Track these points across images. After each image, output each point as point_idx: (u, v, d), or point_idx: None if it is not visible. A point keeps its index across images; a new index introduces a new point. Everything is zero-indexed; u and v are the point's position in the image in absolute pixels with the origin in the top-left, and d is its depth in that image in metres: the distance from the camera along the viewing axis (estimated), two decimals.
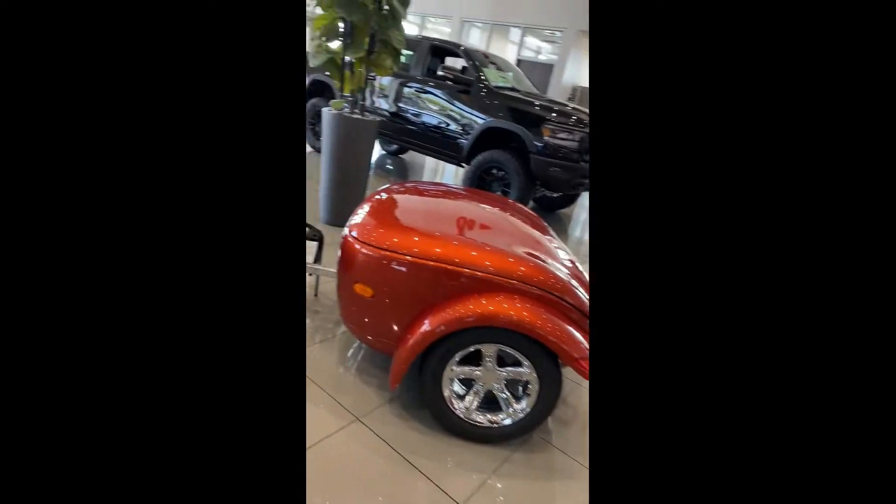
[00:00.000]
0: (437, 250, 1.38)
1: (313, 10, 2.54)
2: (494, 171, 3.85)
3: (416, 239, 1.42)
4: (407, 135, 4.47)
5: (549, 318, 1.29)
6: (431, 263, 1.36)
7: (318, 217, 3.06)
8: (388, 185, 2.17)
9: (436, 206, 1.93)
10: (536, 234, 1.83)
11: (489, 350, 1.36)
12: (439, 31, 10.88)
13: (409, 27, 10.71)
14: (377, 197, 2.00)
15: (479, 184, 3.90)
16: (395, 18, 2.43)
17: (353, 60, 2.61)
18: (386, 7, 2.47)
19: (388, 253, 1.40)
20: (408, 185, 2.14)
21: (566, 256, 1.72)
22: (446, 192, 2.07)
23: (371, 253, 1.42)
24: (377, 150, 6.06)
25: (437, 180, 5.48)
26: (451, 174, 5.70)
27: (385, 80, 4.45)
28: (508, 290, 1.33)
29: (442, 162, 4.98)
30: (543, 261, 1.49)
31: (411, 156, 6.23)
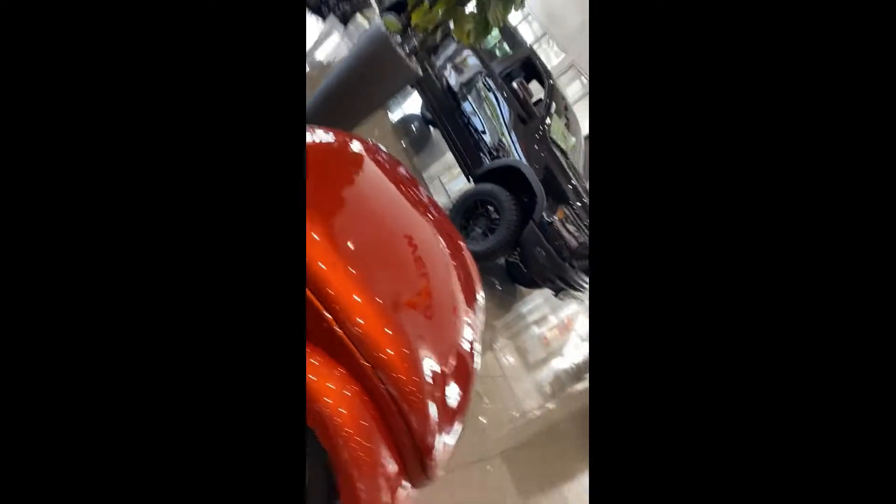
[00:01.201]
0: (321, 265, 0.95)
1: None
2: (490, 208, 3.46)
3: (315, 237, 0.98)
4: (447, 116, 4.03)
5: (368, 435, 0.88)
6: None
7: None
8: (373, 144, 1.71)
9: (388, 206, 1.49)
10: (459, 300, 1.43)
11: None
12: (549, 59, 10.49)
13: (526, 33, 10.18)
14: (343, 143, 1.55)
15: (468, 210, 3.50)
16: None
17: None
18: None
19: None
20: (393, 164, 1.70)
21: (469, 338, 1.34)
22: (417, 202, 1.63)
23: None
24: (415, 107, 5.56)
25: (443, 181, 5.04)
26: (458, 186, 5.28)
27: (471, 60, 4.00)
28: (353, 368, 0.91)
29: (456, 168, 4.58)
30: (431, 348, 1.10)
31: (439, 136, 5.78)
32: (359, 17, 3.97)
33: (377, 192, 1.53)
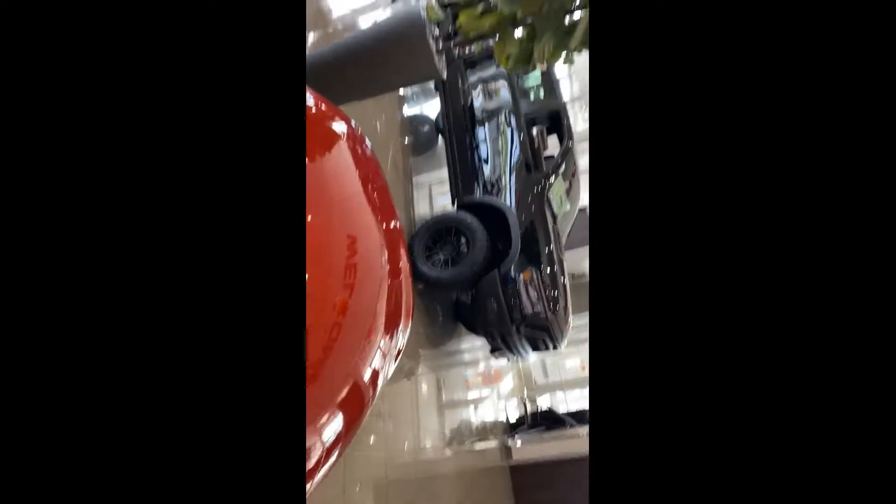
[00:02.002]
0: None
1: None
2: (463, 239, 3.27)
3: None
4: (457, 134, 3.85)
5: None
6: None
7: None
8: (360, 133, 1.49)
9: (342, 200, 1.27)
10: (379, 322, 1.22)
11: None
12: (576, 122, 10.53)
13: (566, 90, 10.25)
14: (325, 115, 1.33)
15: (439, 232, 3.29)
16: (562, 34, 1.85)
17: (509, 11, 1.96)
18: (567, 23, 1.89)
19: None
20: (370, 162, 1.48)
21: (376, 366, 1.17)
22: (377, 208, 1.41)
23: None
24: (434, 111, 5.35)
25: (433, 192, 4.83)
26: (445, 202, 5.07)
27: (503, 92, 3.85)
28: None
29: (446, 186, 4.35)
30: (316, 376, 0.90)
31: (444, 148, 5.59)
32: None
33: (338, 183, 1.31)
